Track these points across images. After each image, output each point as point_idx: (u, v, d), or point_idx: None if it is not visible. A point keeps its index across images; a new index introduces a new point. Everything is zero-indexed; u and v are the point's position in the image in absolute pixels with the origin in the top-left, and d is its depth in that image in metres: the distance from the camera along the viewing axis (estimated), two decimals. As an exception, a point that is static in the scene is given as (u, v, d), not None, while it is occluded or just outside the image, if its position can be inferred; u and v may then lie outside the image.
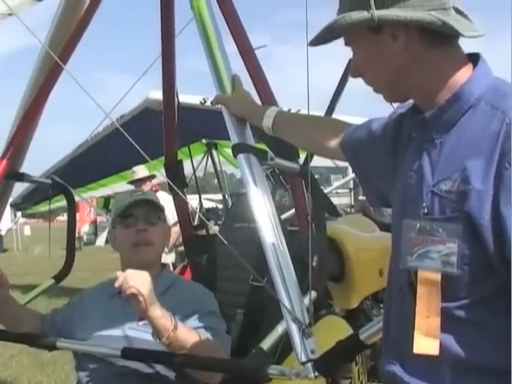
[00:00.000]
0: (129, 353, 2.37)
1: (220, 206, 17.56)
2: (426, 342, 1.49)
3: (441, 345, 1.48)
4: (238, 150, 2.35)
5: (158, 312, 2.26)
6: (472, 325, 1.49)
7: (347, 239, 3.32)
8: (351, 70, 1.75)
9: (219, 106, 2.46)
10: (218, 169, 10.60)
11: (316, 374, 2.01)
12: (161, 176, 7.35)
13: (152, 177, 7.92)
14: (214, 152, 10.24)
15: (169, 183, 3.12)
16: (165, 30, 3.16)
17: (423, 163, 1.60)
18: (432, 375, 1.55)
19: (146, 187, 7.51)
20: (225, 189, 10.88)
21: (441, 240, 1.49)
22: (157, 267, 2.76)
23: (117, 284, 2.20)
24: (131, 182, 8.07)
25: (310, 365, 2.01)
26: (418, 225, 1.53)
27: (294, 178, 3.04)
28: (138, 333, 2.52)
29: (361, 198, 15.06)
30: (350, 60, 4.27)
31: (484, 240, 1.43)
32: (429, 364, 1.52)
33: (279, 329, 2.47)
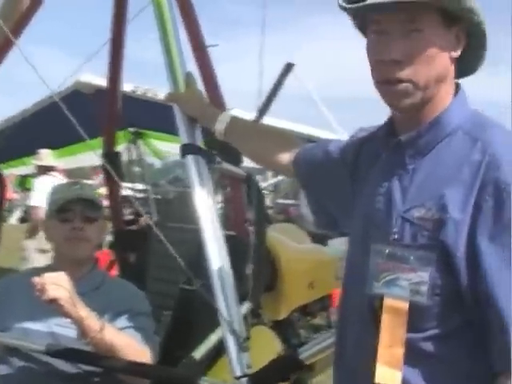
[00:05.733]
0: (54, 350, 2.27)
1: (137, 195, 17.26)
2: (387, 373, 1.43)
3: (403, 378, 1.43)
4: (186, 150, 2.27)
5: (82, 313, 2.20)
6: (435, 359, 1.45)
7: (280, 249, 3.29)
8: (391, 52, 1.50)
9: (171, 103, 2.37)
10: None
11: (250, 389, 1.95)
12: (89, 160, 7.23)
13: (51, 168, 7.71)
14: (139, 141, 10.03)
15: (106, 172, 3.05)
16: (117, 15, 3.04)
17: (393, 188, 1.55)
18: None
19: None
20: (147, 180, 10.68)
21: (411, 268, 1.45)
22: (90, 263, 2.66)
23: (37, 293, 2.15)
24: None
25: (245, 380, 1.95)
26: (387, 250, 1.49)
27: (235, 183, 2.97)
28: (65, 330, 2.42)
29: (280, 201, 15.21)
30: (287, 64, 4.12)
31: (457, 271, 1.40)
32: None
33: (212, 338, 2.40)
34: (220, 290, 2.07)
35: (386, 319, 1.46)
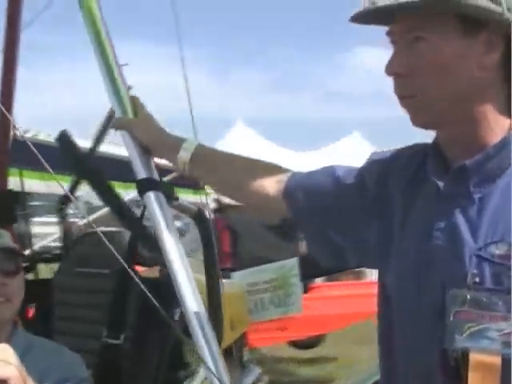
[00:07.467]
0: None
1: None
2: None
3: None
4: (145, 186, 1.93)
5: None
6: None
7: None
8: (393, 65, 1.36)
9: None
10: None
11: None
12: None
13: None
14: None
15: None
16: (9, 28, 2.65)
17: (456, 221, 1.34)
18: None
19: None
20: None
21: (502, 316, 1.25)
22: (11, 325, 2.25)
23: None
24: None
25: None
26: (468, 296, 1.27)
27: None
28: None
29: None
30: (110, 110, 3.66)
31: None
32: None
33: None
34: (203, 340, 1.77)
35: (473, 378, 1.25)
